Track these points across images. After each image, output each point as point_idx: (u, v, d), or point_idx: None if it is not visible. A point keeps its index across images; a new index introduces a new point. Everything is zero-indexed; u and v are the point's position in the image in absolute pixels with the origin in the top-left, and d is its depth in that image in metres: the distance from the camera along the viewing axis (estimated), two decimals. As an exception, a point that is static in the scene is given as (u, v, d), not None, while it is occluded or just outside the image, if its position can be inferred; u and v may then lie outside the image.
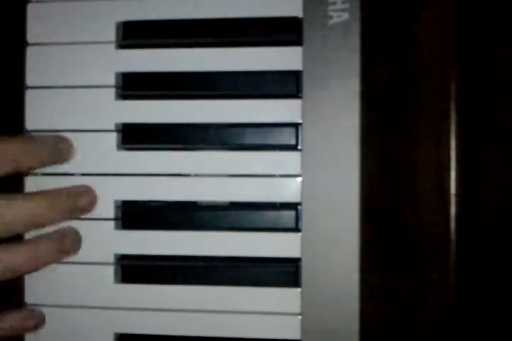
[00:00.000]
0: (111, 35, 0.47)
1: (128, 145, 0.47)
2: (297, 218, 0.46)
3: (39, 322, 0.47)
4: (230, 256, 0.47)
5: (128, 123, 0.47)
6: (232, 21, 0.46)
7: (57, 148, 0.46)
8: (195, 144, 0.47)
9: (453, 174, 0.46)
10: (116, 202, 0.47)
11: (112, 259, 0.47)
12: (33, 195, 0.45)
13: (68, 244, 0.46)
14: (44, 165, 0.46)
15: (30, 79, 0.48)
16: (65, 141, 0.47)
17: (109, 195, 0.47)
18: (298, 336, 0.45)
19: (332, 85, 0.45)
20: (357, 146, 0.45)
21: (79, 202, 0.46)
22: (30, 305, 0.47)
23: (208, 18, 0.47)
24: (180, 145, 0.47)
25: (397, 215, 0.46)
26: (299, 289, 0.46)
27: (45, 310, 0.47)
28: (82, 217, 0.47)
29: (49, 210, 0.44)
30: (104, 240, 0.47)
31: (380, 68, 0.47)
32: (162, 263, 0.47)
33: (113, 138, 0.47)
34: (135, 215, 0.47)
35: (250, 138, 0.46)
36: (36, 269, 0.46)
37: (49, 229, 0.46)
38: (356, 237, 0.45)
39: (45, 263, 0.46)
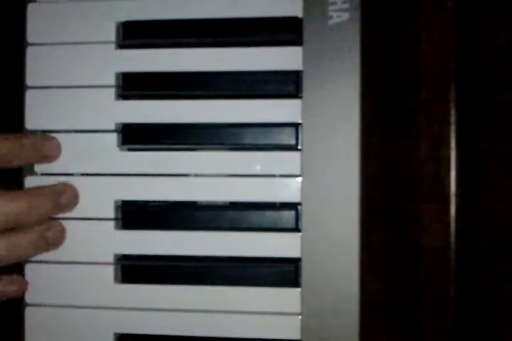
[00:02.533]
0: (111, 35, 0.47)
1: (128, 146, 0.47)
2: (297, 218, 0.46)
3: (22, 286, 0.47)
4: (230, 256, 0.47)
5: (128, 123, 0.47)
6: (232, 21, 0.46)
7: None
8: (195, 144, 0.47)
9: (453, 173, 0.46)
10: (116, 202, 0.47)
11: (112, 259, 0.47)
12: (13, 193, 0.45)
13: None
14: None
15: (30, 79, 0.48)
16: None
17: (109, 195, 0.47)
18: (298, 336, 0.45)
19: (332, 85, 0.45)
20: (357, 146, 0.45)
21: (60, 200, 0.46)
22: (30, 304, 0.47)
23: (208, 18, 0.47)
24: (180, 146, 0.47)
25: (397, 215, 0.46)
26: (299, 289, 0.46)
27: (45, 310, 0.47)
28: (83, 216, 0.47)
29: (29, 210, 0.44)
30: (104, 240, 0.47)
31: (380, 68, 0.47)
32: (162, 263, 0.47)
33: (113, 138, 0.47)
34: (135, 215, 0.47)
35: (250, 138, 0.46)
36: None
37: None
38: (356, 237, 0.44)
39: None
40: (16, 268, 0.47)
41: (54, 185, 0.47)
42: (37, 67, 0.48)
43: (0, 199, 0.43)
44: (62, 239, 0.47)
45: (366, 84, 0.45)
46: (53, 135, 0.47)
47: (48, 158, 0.47)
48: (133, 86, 0.47)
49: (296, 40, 0.46)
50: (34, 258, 0.47)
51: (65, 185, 0.47)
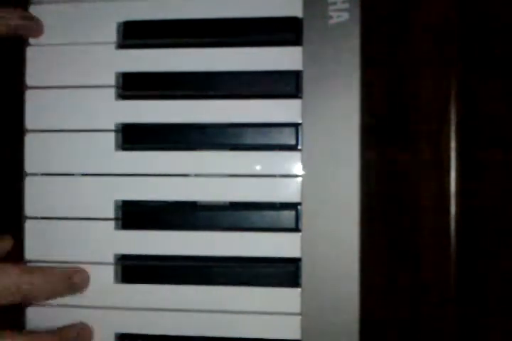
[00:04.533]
0: (111, 35, 0.47)
1: (128, 146, 0.47)
2: (297, 218, 0.46)
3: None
4: (230, 256, 0.47)
5: (128, 123, 0.47)
6: (232, 21, 0.46)
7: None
8: (195, 144, 0.47)
9: (453, 174, 0.46)
10: (116, 202, 0.47)
11: (111, 259, 0.47)
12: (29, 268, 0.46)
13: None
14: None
15: (30, 79, 0.48)
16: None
17: (109, 195, 0.47)
18: (298, 336, 0.45)
19: (332, 85, 0.45)
20: (357, 146, 0.45)
21: (73, 279, 0.46)
22: (32, 305, 0.47)
23: (208, 18, 0.47)
24: (180, 146, 0.47)
25: (397, 215, 0.46)
26: (299, 289, 0.46)
27: (46, 310, 0.47)
28: (83, 216, 0.47)
29: (45, 284, 0.45)
30: (104, 240, 0.47)
31: (380, 68, 0.47)
32: (162, 263, 0.47)
33: (113, 138, 0.47)
34: (135, 215, 0.47)
35: (250, 138, 0.46)
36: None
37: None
38: (356, 237, 0.45)
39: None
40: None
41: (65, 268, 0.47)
42: (37, 67, 0.48)
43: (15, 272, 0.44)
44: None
45: (366, 84, 0.45)
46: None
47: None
48: (133, 86, 0.47)
49: (296, 40, 0.46)
50: (34, 259, 0.47)
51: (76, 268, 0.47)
